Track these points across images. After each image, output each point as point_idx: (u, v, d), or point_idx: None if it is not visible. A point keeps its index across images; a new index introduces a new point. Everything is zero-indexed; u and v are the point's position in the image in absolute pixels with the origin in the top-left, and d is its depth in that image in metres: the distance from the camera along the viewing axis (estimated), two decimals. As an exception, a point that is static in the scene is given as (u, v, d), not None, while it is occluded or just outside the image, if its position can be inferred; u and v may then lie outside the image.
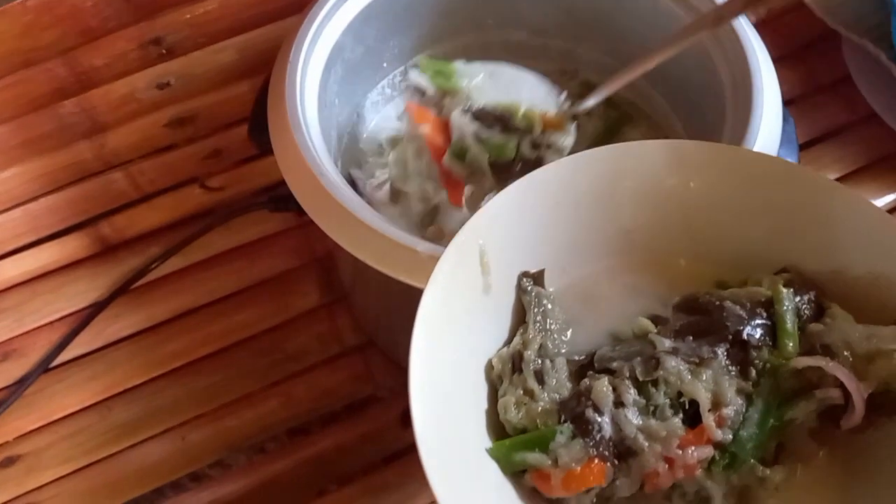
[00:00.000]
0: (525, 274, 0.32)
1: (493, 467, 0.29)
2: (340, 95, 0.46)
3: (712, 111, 0.42)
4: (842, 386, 0.28)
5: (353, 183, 0.48)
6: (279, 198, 0.55)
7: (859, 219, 0.30)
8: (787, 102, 0.65)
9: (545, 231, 0.32)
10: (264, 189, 0.58)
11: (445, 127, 0.44)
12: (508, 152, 0.42)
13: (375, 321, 0.52)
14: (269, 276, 0.56)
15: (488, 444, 0.29)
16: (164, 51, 0.60)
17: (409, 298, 0.39)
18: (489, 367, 0.31)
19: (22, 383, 0.52)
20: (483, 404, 0.30)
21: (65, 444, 0.51)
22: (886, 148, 0.59)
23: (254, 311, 0.54)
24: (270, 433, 0.51)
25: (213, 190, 0.58)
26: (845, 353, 0.29)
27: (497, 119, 0.43)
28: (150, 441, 0.51)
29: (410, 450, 0.50)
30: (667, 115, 0.49)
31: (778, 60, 0.43)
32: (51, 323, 0.54)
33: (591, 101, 0.43)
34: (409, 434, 0.50)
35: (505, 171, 0.43)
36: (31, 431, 0.51)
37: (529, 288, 0.32)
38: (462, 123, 0.43)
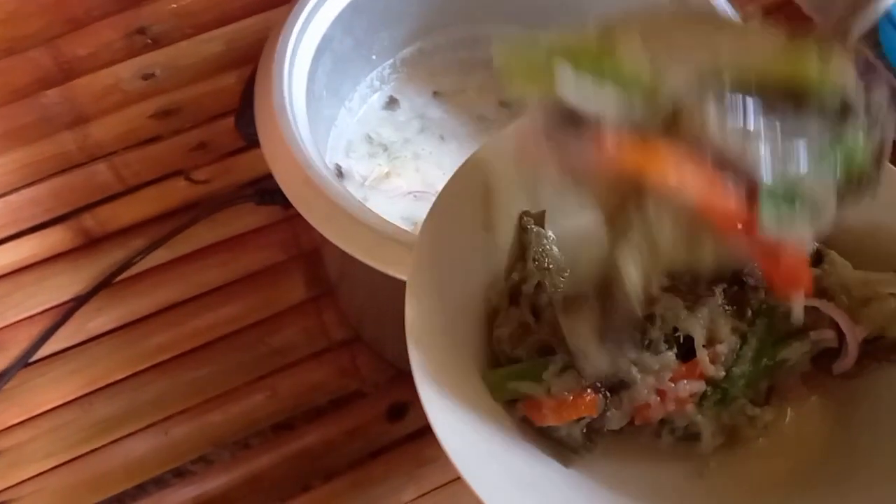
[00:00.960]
0: (526, 213, 0.32)
1: (486, 396, 0.29)
2: (329, 87, 0.45)
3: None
4: (836, 329, 0.29)
5: (341, 174, 0.48)
6: (266, 191, 0.54)
7: None
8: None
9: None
10: (251, 182, 0.57)
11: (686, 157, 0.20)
12: (860, 159, 0.22)
13: (362, 315, 0.52)
14: (255, 270, 0.55)
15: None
16: (149, 41, 0.60)
17: (397, 292, 0.39)
18: (486, 299, 0.31)
19: (2, 378, 0.51)
20: (478, 336, 0.30)
21: (46, 440, 0.50)
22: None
23: (239, 305, 0.54)
24: (255, 428, 0.50)
25: (199, 182, 0.57)
26: (842, 297, 0.29)
27: (784, 98, 0.21)
28: (133, 436, 0.50)
29: (397, 444, 0.51)
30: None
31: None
32: (32, 316, 0.53)
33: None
34: (396, 429, 0.51)
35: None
36: (11, 426, 0.50)
37: (530, 227, 0.31)
38: (740, 132, 0.20)
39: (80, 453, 0.50)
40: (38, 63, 0.58)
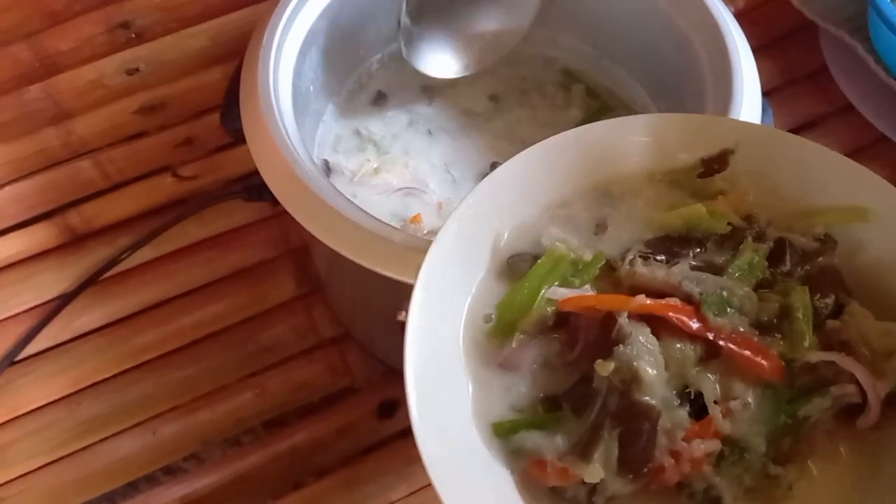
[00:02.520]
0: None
1: (485, 450, 0.28)
2: (316, 83, 0.45)
3: (692, 101, 0.42)
4: (858, 383, 0.28)
5: (329, 170, 0.47)
6: (253, 187, 0.54)
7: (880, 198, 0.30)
8: (765, 93, 0.65)
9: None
10: (238, 178, 0.57)
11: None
12: (758, 271, 0.30)
13: (352, 313, 0.52)
14: (242, 267, 0.55)
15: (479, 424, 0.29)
16: (132, 35, 0.59)
17: (386, 290, 0.39)
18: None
19: (-13, 377, 0.50)
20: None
21: (32, 440, 0.49)
22: (863, 139, 0.59)
23: (227, 303, 0.53)
24: (245, 426, 0.50)
25: (185, 179, 0.57)
26: (863, 350, 0.28)
27: (683, 243, 0.31)
28: (120, 435, 0.50)
29: (387, 442, 0.50)
30: (646, 105, 0.48)
31: (756, 51, 0.43)
32: (17, 315, 0.53)
33: None
34: (386, 426, 0.50)
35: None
36: (-4, 426, 0.50)
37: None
38: (665, 276, 0.29)
39: (66, 453, 0.49)
40: (19, 58, 0.58)
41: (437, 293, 0.29)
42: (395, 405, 0.51)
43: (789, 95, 0.63)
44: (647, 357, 0.27)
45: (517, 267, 0.30)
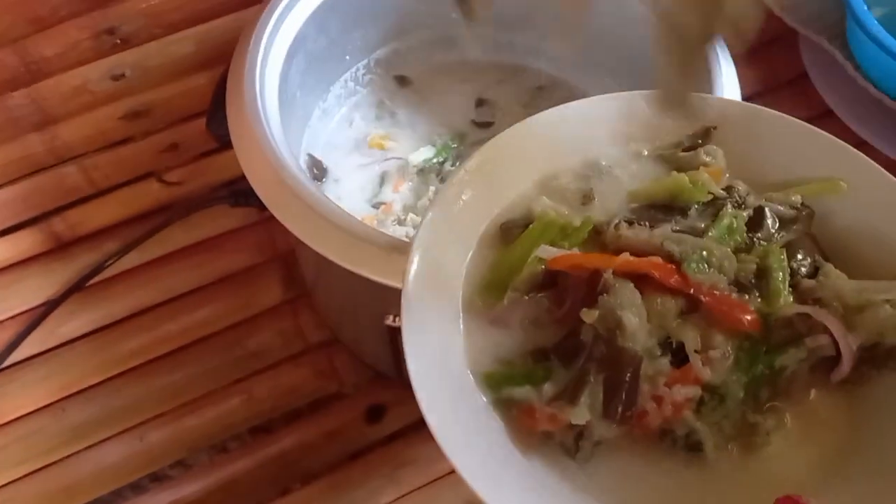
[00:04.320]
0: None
1: (478, 400, 0.29)
2: (303, 88, 0.45)
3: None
4: (832, 336, 0.29)
5: (315, 168, 0.48)
6: (239, 192, 0.54)
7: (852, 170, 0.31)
8: (747, 99, 0.66)
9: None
10: (224, 184, 0.57)
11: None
12: (737, 235, 0.31)
13: (339, 317, 0.52)
14: (229, 273, 0.55)
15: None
16: (118, 41, 0.59)
17: (372, 294, 0.39)
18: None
19: (-28, 385, 0.50)
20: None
21: (18, 447, 0.49)
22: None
23: (214, 308, 0.53)
24: (232, 432, 0.50)
25: (172, 184, 0.57)
26: (835, 305, 0.29)
27: (666, 211, 0.32)
28: (107, 442, 0.50)
29: (375, 446, 0.51)
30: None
31: (737, 58, 0.44)
32: (2, 321, 0.52)
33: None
34: (374, 431, 0.50)
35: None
36: (-18, 434, 0.49)
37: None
38: (648, 237, 0.31)
39: (53, 460, 0.49)
40: (4, 63, 0.57)
41: (432, 256, 0.30)
42: (382, 410, 0.51)
43: (770, 101, 0.63)
44: (630, 307, 0.28)
45: (509, 233, 0.32)
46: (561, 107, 0.33)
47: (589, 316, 0.28)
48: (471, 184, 0.32)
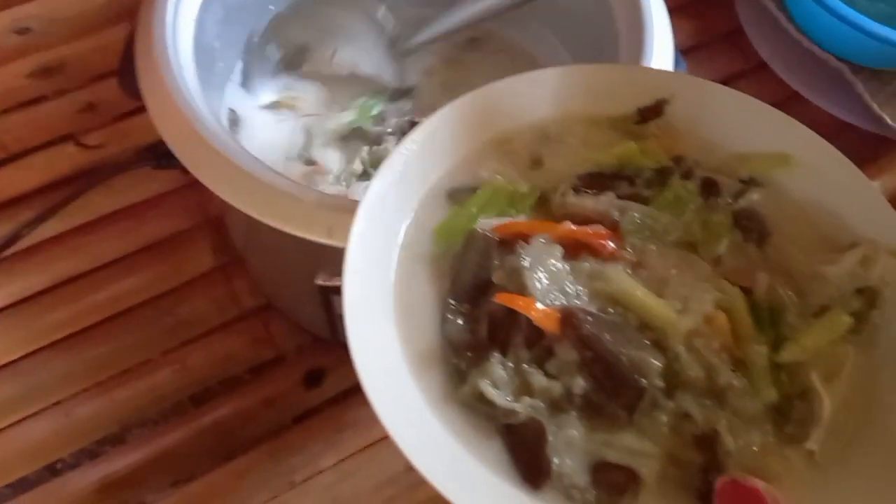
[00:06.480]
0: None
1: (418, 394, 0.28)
2: (222, 38, 0.42)
3: (608, 55, 0.41)
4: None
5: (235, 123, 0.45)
6: (163, 154, 0.50)
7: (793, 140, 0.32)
8: (683, 52, 0.65)
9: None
10: (149, 146, 0.54)
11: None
12: (684, 194, 0.32)
13: (272, 281, 0.50)
14: (157, 239, 0.53)
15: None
16: (19, -10, 0.55)
17: (302, 254, 0.38)
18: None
19: None
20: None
21: (-63, 427, 0.47)
22: (776, 95, 0.61)
23: (142, 277, 0.51)
24: (166, 403, 0.48)
25: (91, 147, 0.54)
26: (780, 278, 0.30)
27: (614, 179, 0.32)
28: (32, 418, 0.48)
29: (315, 411, 0.50)
30: (563, 59, 0.48)
31: (673, 11, 0.43)
32: (-89, 298, 0.49)
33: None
34: (314, 395, 0.49)
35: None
36: None
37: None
38: (594, 204, 0.31)
39: (-26, 439, 0.46)
40: None
41: (376, 223, 0.29)
42: (321, 374, 0.50)
43: (706, 55, 0.64)
44: (540, 268, 0.28)
45: (457, 198, 0.31)
46: (512, 77, 0.33)
47: (497, 276, 0.28)
48: (417, 152, 0.31)
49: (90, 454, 0.47)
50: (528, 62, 0.49)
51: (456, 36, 0.49)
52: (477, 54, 0.49)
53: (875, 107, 0.58)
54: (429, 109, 0.32)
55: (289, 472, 0.47)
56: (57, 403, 0.48)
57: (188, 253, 0.52)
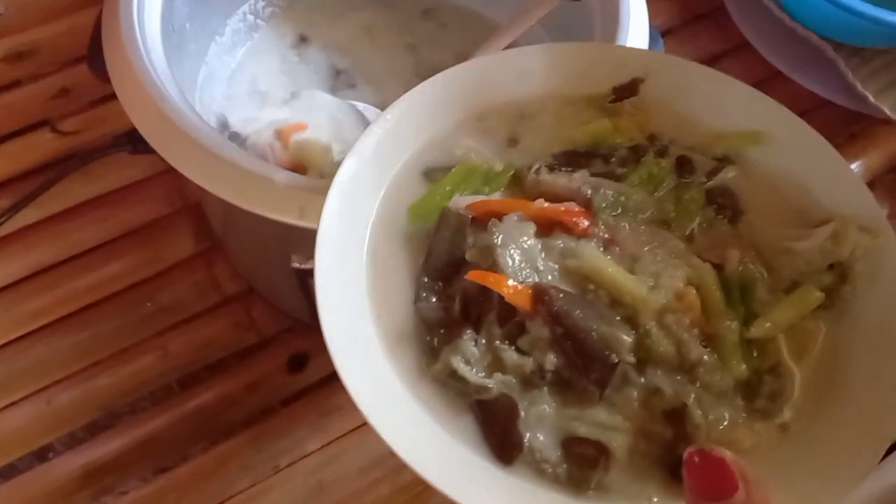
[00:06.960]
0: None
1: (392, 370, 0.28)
2: (192, 20, 0.42)
3: (582, 32, 0.41)
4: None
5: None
6: (140, 138, 0.50)
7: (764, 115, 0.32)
8: (666, 32, 0.65)
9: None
10: (126, 131, 0.53)
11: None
12: (657, 171, 0.32)
13: (251, 266, 0.50)
14: (137, 225, 0.52)
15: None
16: (-12, -27, 0.54)
17: (278, 237, 0.37)
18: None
19: None
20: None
21: (-86, 418, 0.46)
22: (759, 74, 0.61)
23: (122, 264, 0.51)
24: (148, 389, 0.48)
25: (66, 134, 0.53)
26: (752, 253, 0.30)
27: (588, 158, 0.32)
28: (12, 407, 0.47)
29: (298, 396, 0.49)
30: (542, 37, 0.48)
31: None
32: None
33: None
34: (298, 380, 0.49)
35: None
36: None
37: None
38: (567, 182, 0.31)
39: (-46, 429, 0.46)
40: None
41: (348, 202, 0.29)
42: (305, 358, 0.50)
43: (689, 34, 0.63)
44: (513, 245, 0.28)
45: (432, 177, 0.31)
46: (488, 55, 0.33)
47: (470, 254, 0.28)
48: (391, 130, 0.31)
49: (73, 441, 0.47)
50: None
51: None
52: (432, 24, 0.48)
53: (858, 85, 0.58)
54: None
55: (274, 456, 0.47)
56: (39, 391, 0.47)
57: (168, 239, 0.52)
